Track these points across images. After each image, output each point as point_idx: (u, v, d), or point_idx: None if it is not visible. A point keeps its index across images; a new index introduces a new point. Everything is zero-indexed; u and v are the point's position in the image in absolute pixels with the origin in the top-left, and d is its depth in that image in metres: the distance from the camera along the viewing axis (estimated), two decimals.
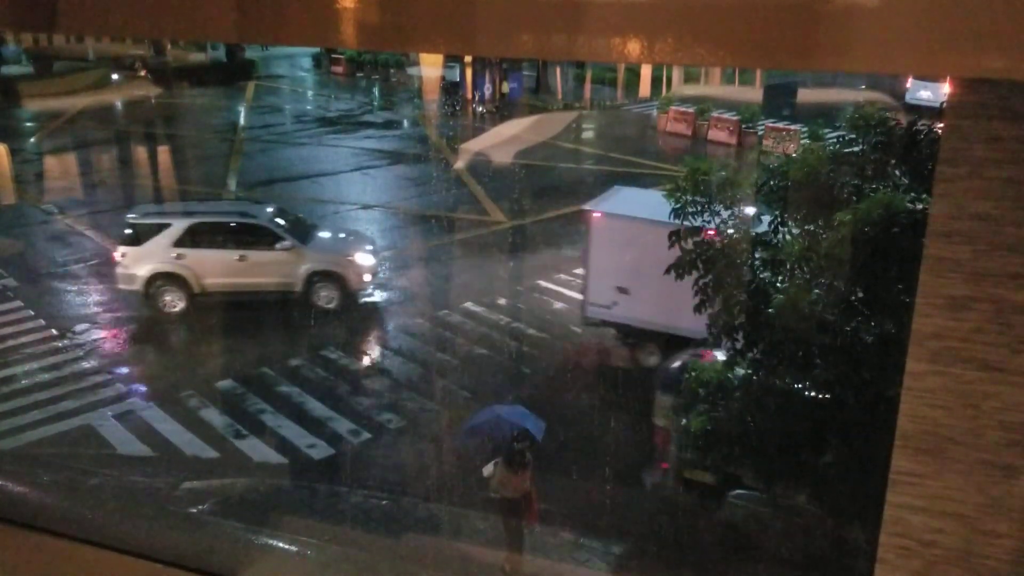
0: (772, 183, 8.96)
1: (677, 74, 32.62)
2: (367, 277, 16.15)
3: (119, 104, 32.72)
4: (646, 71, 32.79)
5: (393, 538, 10.23)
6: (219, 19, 1.03)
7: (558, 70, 34.22)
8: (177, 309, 15.62)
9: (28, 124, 28.92)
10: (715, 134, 26.44)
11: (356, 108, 33.29)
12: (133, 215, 16.81)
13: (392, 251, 18.76)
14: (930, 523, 1.09)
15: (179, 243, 15.58)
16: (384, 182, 23.96)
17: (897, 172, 8.53)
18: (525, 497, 10.20)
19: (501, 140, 27.29)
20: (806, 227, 8.53)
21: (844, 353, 7.71)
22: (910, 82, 26.62)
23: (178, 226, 15.74)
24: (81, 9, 1.10)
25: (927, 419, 1.07)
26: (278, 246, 15.69)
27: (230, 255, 15.66)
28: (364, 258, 16.19)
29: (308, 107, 34.83)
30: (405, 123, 32.04)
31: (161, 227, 15.76)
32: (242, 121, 31.09)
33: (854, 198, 8.11)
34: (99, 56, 35.50)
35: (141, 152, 26.17)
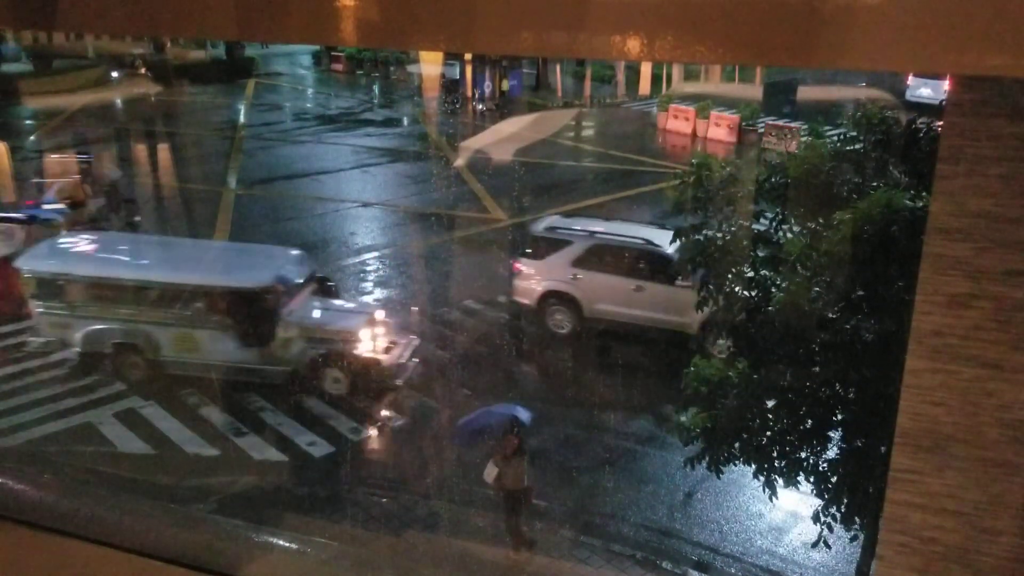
0: (772, 181, 8.96)
1: (677, 72, 32.60)
2: None
3: (119, 102, 32.69)
4: (646, 69, 32.77)
5: (393, 535, 10.26)
6: (219, 17, 1.03)
7: (558, 68, 34.21)
8: (564, 331, 14.70)
9: (28, 122, 28.91)
10: (715, 132, 26.44)
11: (356, 106, 33.28)
12: (538, 227, 15.95)
13: (392, 248, 18.77)
14: (930, 520, 1.09)
15: (578, 263, 14.72)
16: (384, 180, 23.96)
17: (897, 170, 8.53)
18: (525, 490, 10.25)
19: (501, 138, 27.28)
20: (807, 225, 8.53)
21: (844, 351, 7.72)
22: (910, 79, 26.60)
23: (579, 245, 14.89)
24: (81, 7, 1.10)
25: (927, 416, 1.07)
26: (679, 282, 13.70)
27: (627, 283, 14.46)
28: None
29: (308, 105, 34.81)
30: (405, 121, 32.04)
31: (562, 243, 14.98)
32: (242, 119, 31.08)
33: (854, 196, 8.10)
34: (99, 54, 35.48)
35: (141, 150, 26.15)
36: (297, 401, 12.91)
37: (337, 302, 14.44)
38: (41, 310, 13.52)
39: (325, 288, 14.50)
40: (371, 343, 13.07)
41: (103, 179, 19.07)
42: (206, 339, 13.03)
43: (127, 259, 14.19)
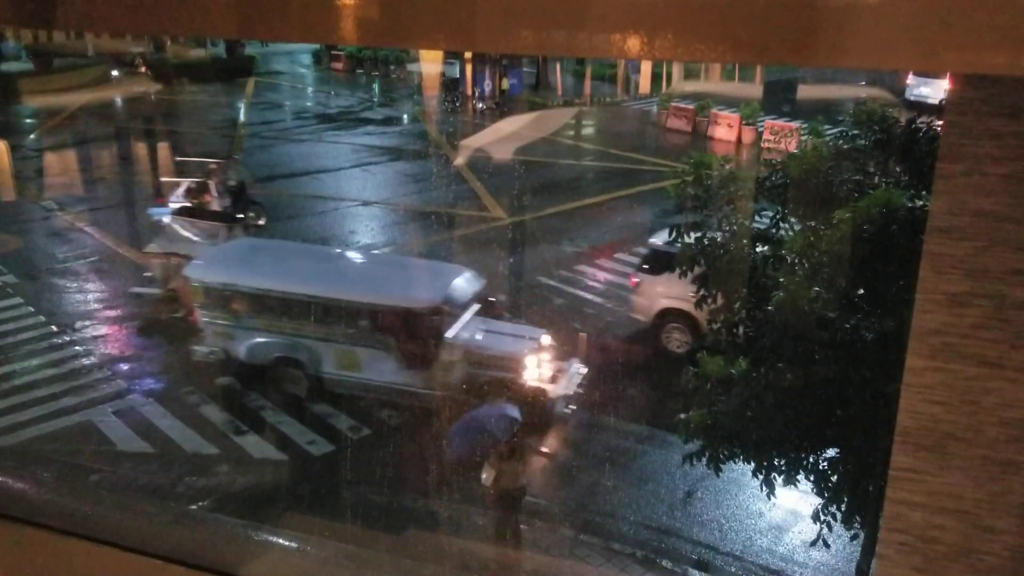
0: (772, 179, 8.96)
1: (677, 70, 32.59)
2: None
3: (119, 100, 32.70)
4: (646, 67, 32.75)
5: (393, 534, 10.26)
6: (219, 15, 1.03)
7: (558, 66, 34.20)
8: (681, 351, 13.69)
9: (28, 120, 28.92)
10: (715, 130, 26.44)
11: (356, 104, 33.27)
12: (657, 240, 14.71)
13: (393, 247, 18.79)
14: (930, 519, 1.09)
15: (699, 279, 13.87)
16: (384, 178, 23.95)
17: (897, 169, 8.53)
18: (520, 489, 10.26)
19: (501, 136, 27.27)
20: (806, 223, 8.53)
21: (844, 349, 7.72)
22: (910, 78, 26.61)
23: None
24: (81, 5, 1.10)
25: (927, 415, 1.07)
26: None
27: None
28: None
29: (308, 103, 34.81)
30: (405, 119, 32.04)
31: None
32: (242, 117, 31.08)
33: (854, 194, 8.11)
34: (99, 52, 35.47)
35: (141, 148, 26.16)
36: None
37: (502, 324, 13.45)
38: (206, 319, 13.25)
39: (491, 308, 13.58)
40: (537, 370, 12.28)
41: (231, 180, 18.95)
42: (368, 358, 12.50)
43: (292, 271, 13.58)
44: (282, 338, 12.87)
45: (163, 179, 20.01)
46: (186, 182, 18.46)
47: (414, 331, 12.41)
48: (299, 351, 12.81)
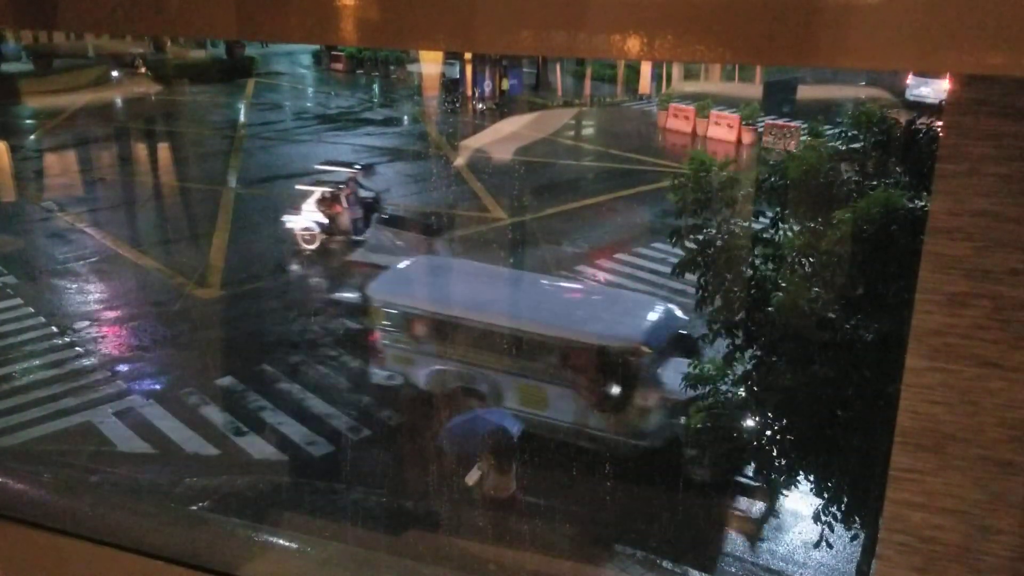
0: (772, 180, 8.97)
1: (677, 71, 32.60)
2: None
3: (119, 101, 32.70)
4: (646, 68, 32.76)
5: (393, 535, 10.25)
6: (219, 16, 1.03)
7: (558, 67, 34.20)
8: None
9: (28, 121, 28.92)
10: (715, 131, 26.44)
11: (356, 105, 33.27)
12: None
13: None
14: (930, 519, 1.09)
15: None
16: (384, 179, 23.93)
17: (897, 169, 8.54)
18: (511, 499, 10.23)
19: (501, 137, 27.28)
20: (806, 224, 8.54)
21: (843, 350, 7.72)
22: (910, 78, 26.59)
23: None
24: (81, 6, 1.10)
25: (927, 416, 1.07)
26: None
27: None
28: None
29: (308, 104, 34.80)
30: (405, 120, 32.03)
31: None
32: (242, 118, 31.07)
33: (854, 195, 8.11)
34: (99, 53, 35.49)
35: (141, 149, 26.16)
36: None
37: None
38: (385, 342, 12.71)
39: (687, 347, 11.61)
40: None
41: (365, 191, 18.71)
42: (555, 396, 11.58)
43: (477, 296, 12.71)
44: (464, 367, 12.18)
45: (298, 187, 19.54)
46: (318, 191, 18.32)
47: (609, 371, 11.37)
48: (481, 382, 12.10)
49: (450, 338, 12.26)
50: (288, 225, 18.21)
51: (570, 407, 11.49)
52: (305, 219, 17.99)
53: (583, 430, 11.43)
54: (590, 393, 11.46)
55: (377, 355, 12.89)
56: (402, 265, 14.53)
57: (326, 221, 17.88)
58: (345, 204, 18.08)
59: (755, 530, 10.45)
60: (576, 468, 11.31)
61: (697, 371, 9.22)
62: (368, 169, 20.05)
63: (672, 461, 10.59)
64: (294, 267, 17.87)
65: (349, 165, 20.17)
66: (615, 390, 11.37)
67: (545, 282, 15.32)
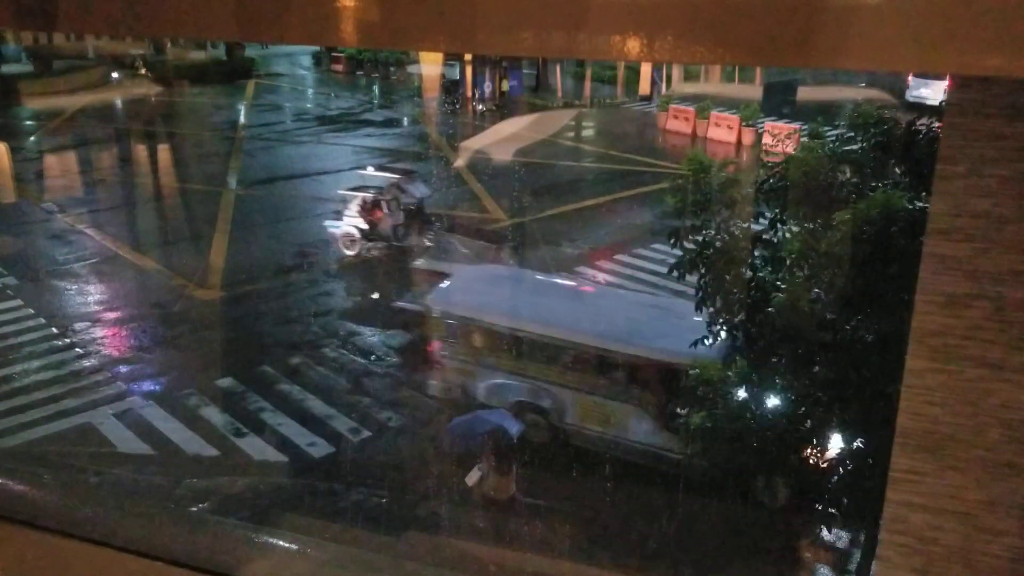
0: (771, 181, 8.97)
1: (677, 72, 32.60)
2: None
3: (119, 102, 32.71)
4: (646, 69, 32.77)
5: (393, 535, 10.25)
6: (219, 17, 1.03)
7: (558, 68, 34.20)
8: None
9: (28, 123, 28.92)
10: (715, 132, 26.44)
11: (356, 106, 33.27)
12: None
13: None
14: (930, 520, 1.09)
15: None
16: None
17: (897, 170, 8.54)
18: (510, 500, 10.25)
19: (501, 138, 27.28)
20: (805, 225, 8.54)
21: (844, 351, 7.72)
22: (910, 80, 26.59)
23: None
24: (81, 7, 1.10)
25: (927, 417, 1.07)
26: None
27: None
28: None
29: (308, 105, 34.81)
30: (405, 121, 32.03)
31: None
32: (242, 119, 31.07)
33: (853, 196, 8.11)
34: (99, 55, 35.48)
35: (141, 150, 26.16)
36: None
37: None
38: (444, 353, 12.48)
39: None
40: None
41: (408, 197, 18.53)
42: (620, 413, 11.27)
43: (539, 308, 12.35)
44: (526, 382, 11.88)
45: (341, 191, 19.42)
46: (360, 196, 18.28)
47: (676, 389, 10.58)
48: (543, 397, 11.78)
49: (510, 351, 11.97)
50: (330, 230, 18.23)
51: (634, 425, 11.14)
52: (347, 224, 18.00)
53: (644, 448, 11.10)
54: (656, 411, 11.07)
55: (437, 366, 12.62)
56: (463, 274, 14.29)
57: (367, 227, 17.87)
58: (387, 210, 18.04)
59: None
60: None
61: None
62: (410, 175, 19.81)
63: (733, 484, 9.90)
64: (335, 270, 17.77)
65: (392, 171, 20.08)
66: (682, 408, 10.54)
67: (612, 295, 14.76)
